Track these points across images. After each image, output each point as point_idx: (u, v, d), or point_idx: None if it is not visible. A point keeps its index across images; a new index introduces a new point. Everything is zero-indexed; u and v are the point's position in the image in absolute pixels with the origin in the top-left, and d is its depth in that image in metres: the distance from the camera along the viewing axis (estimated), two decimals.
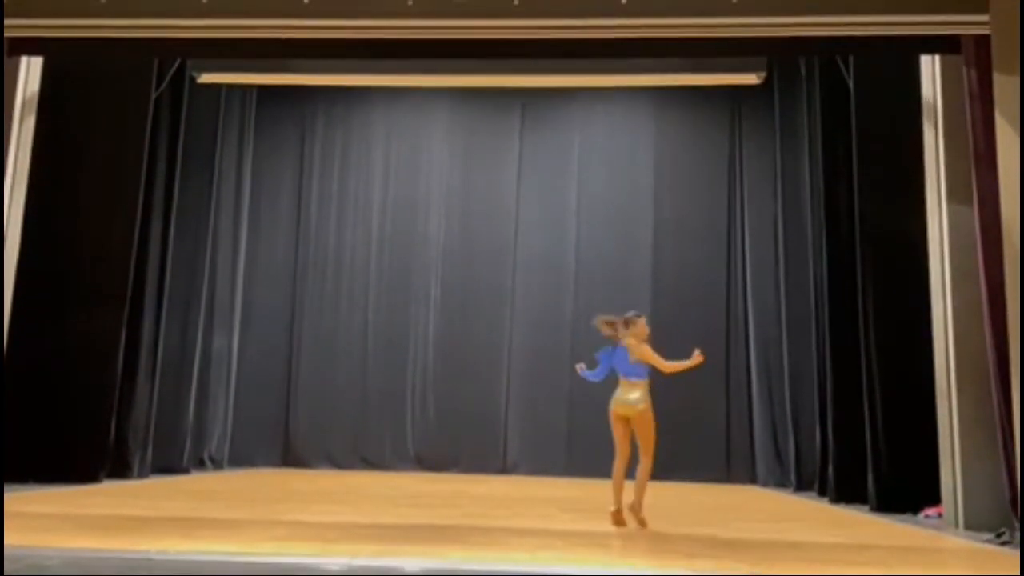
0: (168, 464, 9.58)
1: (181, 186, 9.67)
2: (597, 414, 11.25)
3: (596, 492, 8.97)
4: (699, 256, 11.74)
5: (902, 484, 7.24)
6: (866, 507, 7.50)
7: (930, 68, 6.91)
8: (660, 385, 11.33)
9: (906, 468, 7.24)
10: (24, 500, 6.40)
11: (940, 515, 6.66)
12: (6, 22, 6.82)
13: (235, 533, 4.90)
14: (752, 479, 10.95)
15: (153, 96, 8.81)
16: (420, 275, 12.04)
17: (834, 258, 8.57)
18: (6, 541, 4.24)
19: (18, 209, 7.62)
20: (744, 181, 11.73)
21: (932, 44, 6.48)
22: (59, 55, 7.71)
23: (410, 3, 6.31)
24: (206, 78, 9.81)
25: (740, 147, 11.86)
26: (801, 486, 9.84)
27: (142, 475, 8.78)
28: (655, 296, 11.64)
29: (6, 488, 7.16)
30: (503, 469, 11.39)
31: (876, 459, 7.43)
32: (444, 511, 6.56)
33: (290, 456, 11.61)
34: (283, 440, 11.70)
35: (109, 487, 7.78)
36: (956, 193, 6.47)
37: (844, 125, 8.27)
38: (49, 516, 5.47)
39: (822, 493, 8.74)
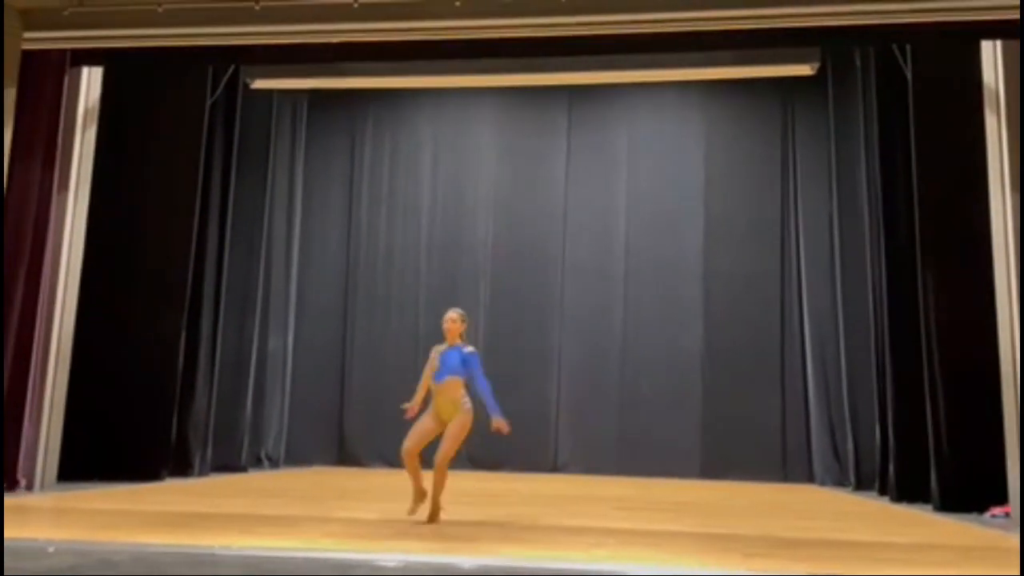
0: (227, 463, 9.80)
1: (236, 190, 9.88)
2: (648, 413, 11.29)
3: (648, 491, 8.92)
4: (752, 253, 11.56)
5: (967, 482, 7.02)
6: (929, 506, 7.29)
7: (991, 54, 6.71)
8: (716, 383, 11.29)
9: (971, 465, 7.02)
10: (91, 497, 6.61)
11: (1007, 514, 6.47)
12: (67, 34, 7.06)
13: (294, 530, 5.00)
14: (809, 478, 10.74)
15: (208, 102, 9.01)
16: (469, 275, 12.09)
17: (893, 251, 8.35)
18: (76, 536, 4.39)
19: (82, 214, 7.86)
20: (797, 175, 11.51)
21: (992, 29, 6.29)
22: (118, 64, 7.93)
23: (457, 3, 6.35)
24: (259, 84, 10.00)
25: (793, 141, 11.64)
26: (860, 485, 9.62)
27: (202, 473, 8.99)
28: (707, 294, 11.52)
29: (73, 486, 7.41)
30: (554, 468, 11.38)
31: (939, 456, 7.22)
32: (497, 509, 6.58)
33: (345, 455, 11.76)
34: (338, 439, 11.86)
35: (171, 485, 7.98)
36: (1021, 183, 6.27)
37: (902, 116, 8.05)
38: (116, 512, 5.63)
39: (882, 492, 8.54)
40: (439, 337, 13.12)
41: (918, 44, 7.70)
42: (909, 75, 7.84)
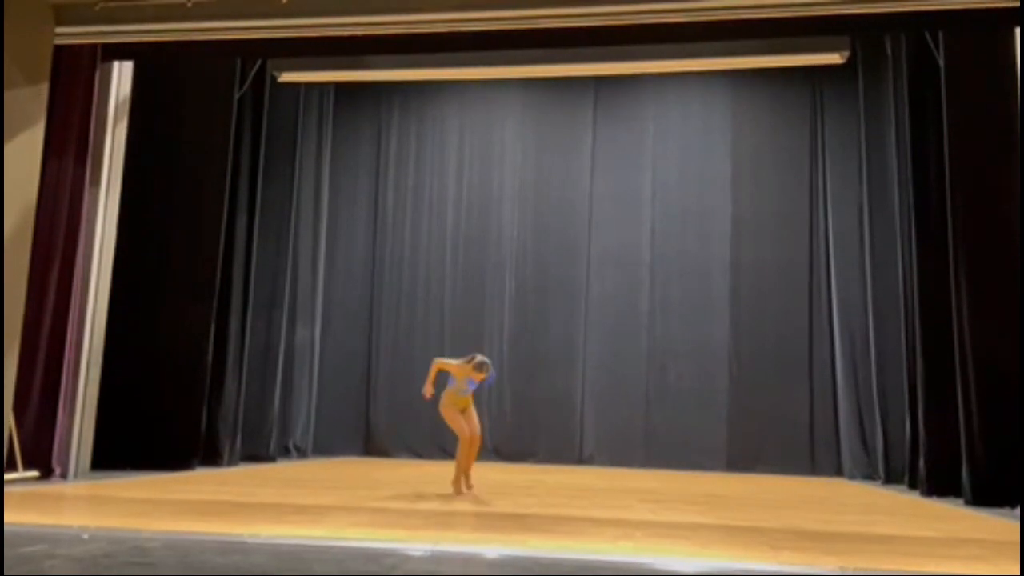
0: (256, 453, 9.92)
1: (264, 183, 9.96)
2: (674, 406, 11.24)
3: (675, 484, 8.88)
4: (780, 244, 11.45)
5: (1000, 475, 6.91)
6: (961, 500, 7.21)
7: None
8: (744, 376, 11.17)
9: (1003, 458, 6.90)
10: (124, 486, 6.72)
11: None
12: (98, 29, 7.14)
13: (323, 519, 5.04)
14: (837, 471, 10.64)
15: (236, 96, 9.08)
16: (495, 268, 12.09)
17: (924, 242, 8.23)
18: (110, 523, 4.46)
19: (114, 208, 7.98)
20: (827, 166, 11.37)
21: None
22: (148, 59, 8.02)
23: None
24: (286, 77, 10.06)
25: (822, 130, 11.50)
26: (890, 478, 9.52)
27: (232, 463, 9.10)
28: (734, 285, 11.43)
29: (106, 475, 7.54)
30: (579, 460, 11.37)
31: (971, 449, 7.12)
32: (523, 500, 6.59)
33: (371, 446, 11.85)
34: (364, 430, 11.95)
35: (202, 474, 8.08)
36: None
37: (934, 105, 7.93)
38: (148, 501, 5.72)
39: (913, 486, 8.44)
40: (464, 327, 13.35)
41: (951, 31, 7.57)
42: (942, 63, 7.71)
